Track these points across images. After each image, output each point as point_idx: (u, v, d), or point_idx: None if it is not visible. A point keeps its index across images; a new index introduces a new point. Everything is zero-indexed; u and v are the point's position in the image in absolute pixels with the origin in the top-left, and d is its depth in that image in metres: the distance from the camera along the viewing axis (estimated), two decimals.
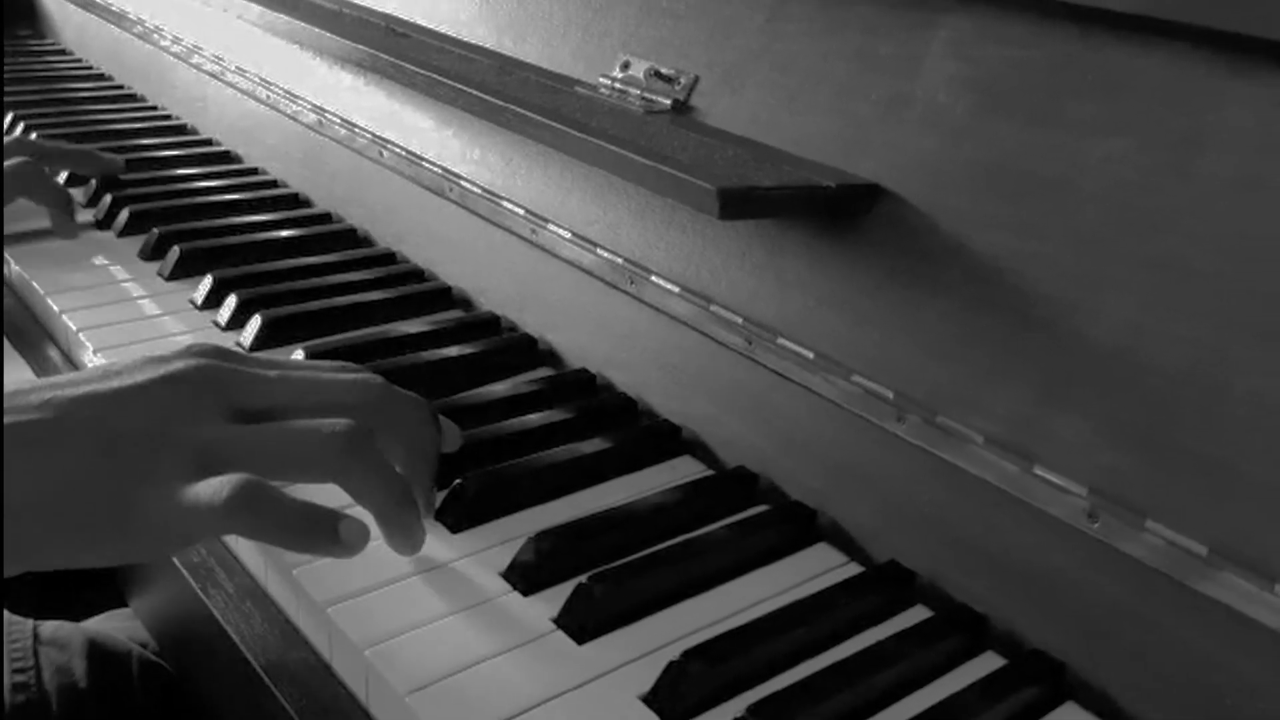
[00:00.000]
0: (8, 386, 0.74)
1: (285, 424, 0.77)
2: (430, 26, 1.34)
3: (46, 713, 1.02)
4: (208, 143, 1.77)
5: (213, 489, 0.70)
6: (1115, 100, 0.77)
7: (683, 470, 1.00)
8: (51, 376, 0.75)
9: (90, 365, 1.08)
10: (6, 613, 1.11)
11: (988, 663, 0.81)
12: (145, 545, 0.72)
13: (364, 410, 0.81)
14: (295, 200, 1.56)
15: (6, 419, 0.71)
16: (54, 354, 1.17)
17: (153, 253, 1.34)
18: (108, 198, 1.46)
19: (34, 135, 1.69)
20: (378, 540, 0.84)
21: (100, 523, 0.69)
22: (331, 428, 0.76)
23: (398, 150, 1.37)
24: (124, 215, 1.42)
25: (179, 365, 0.77)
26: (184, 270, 1.29)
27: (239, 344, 1.13)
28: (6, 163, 1.36)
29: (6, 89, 1.94)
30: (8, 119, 1.78)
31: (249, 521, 0.70)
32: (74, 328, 1.14)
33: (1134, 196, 0.75)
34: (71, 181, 1.55)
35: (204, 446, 0.73)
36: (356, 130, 1.44)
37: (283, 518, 0.71)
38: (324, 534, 0.73)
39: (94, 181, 1.52)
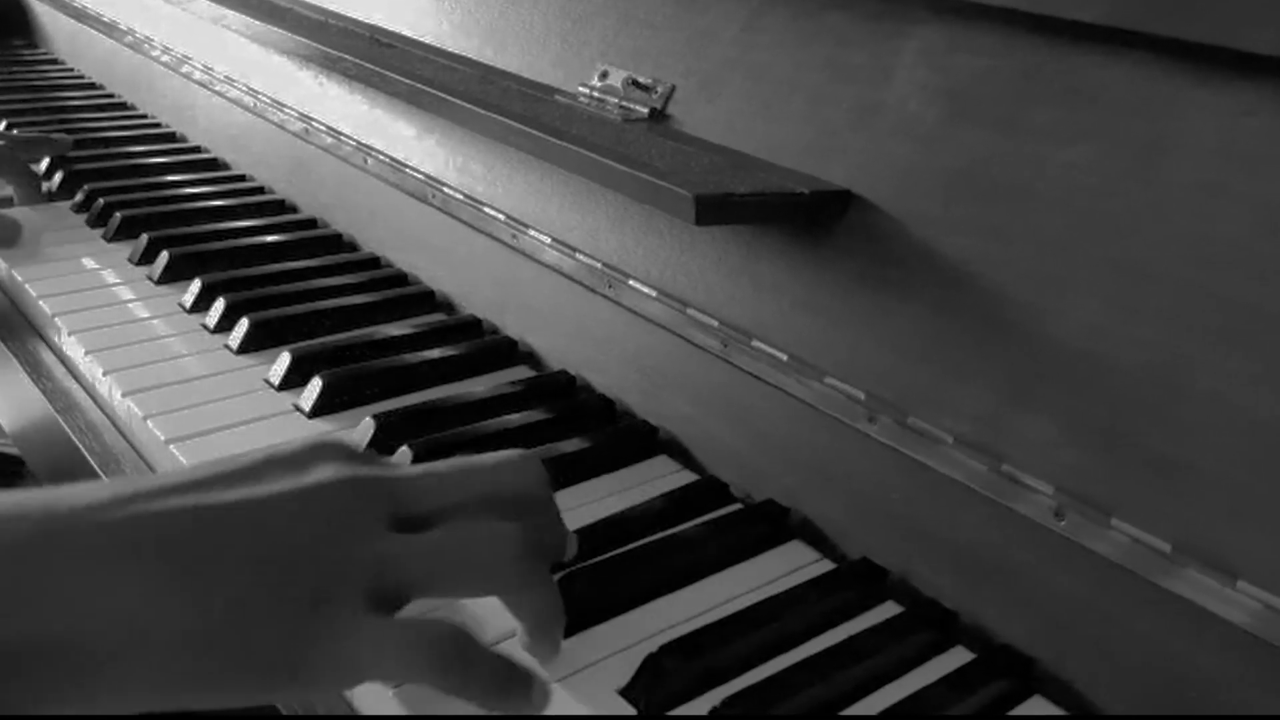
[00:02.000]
0: (100, 492, 0.60)
1: (455, 530, 0.67)
2: (414, 37, 1.34)
3: None
4: (196, 150, 1.77)
5: (412, 636, 0.61)
6: (1080, 108, 0.77)
7: (659, 470, 1.00)
8: (143, 480, 0.62)
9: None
10: None
11: (957, 657, 0.81)
12: (324, 681, 0.60)
13: (526, 496, 0.73)
14: (281, 206, 1.56)
15: (139, 531, 0.59)
16: (47, 356, 1.17)
17: (142, 257, 1.34)
18: (100, 202, 1.45)
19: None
20: None
21: (276, 655, 0.59)
22: (503, 534, 0.68)
23: (382, 157, 1.37)
24: (115, 220, 1.41)
25: (330, 473, 0.65)
26: (173, 274, 1.29)
27: (227, 346, 1.14)
28: None
29: (0, 97, 1.94)
30: (0, 125, 1.78)
31: (452, 681, 0.62)
32: (66, 330, 1.14)
33: (1097, 202, 0.75)
34: (63, 192, 1.56)
35: (379, 562, 0.63)
36: (342, 138, 1.44)
37: (484, 677, 0.63)
38: (520, 696, 0.65)
39: (86, 186, 1.52)
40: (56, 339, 1.16)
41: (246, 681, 0.58)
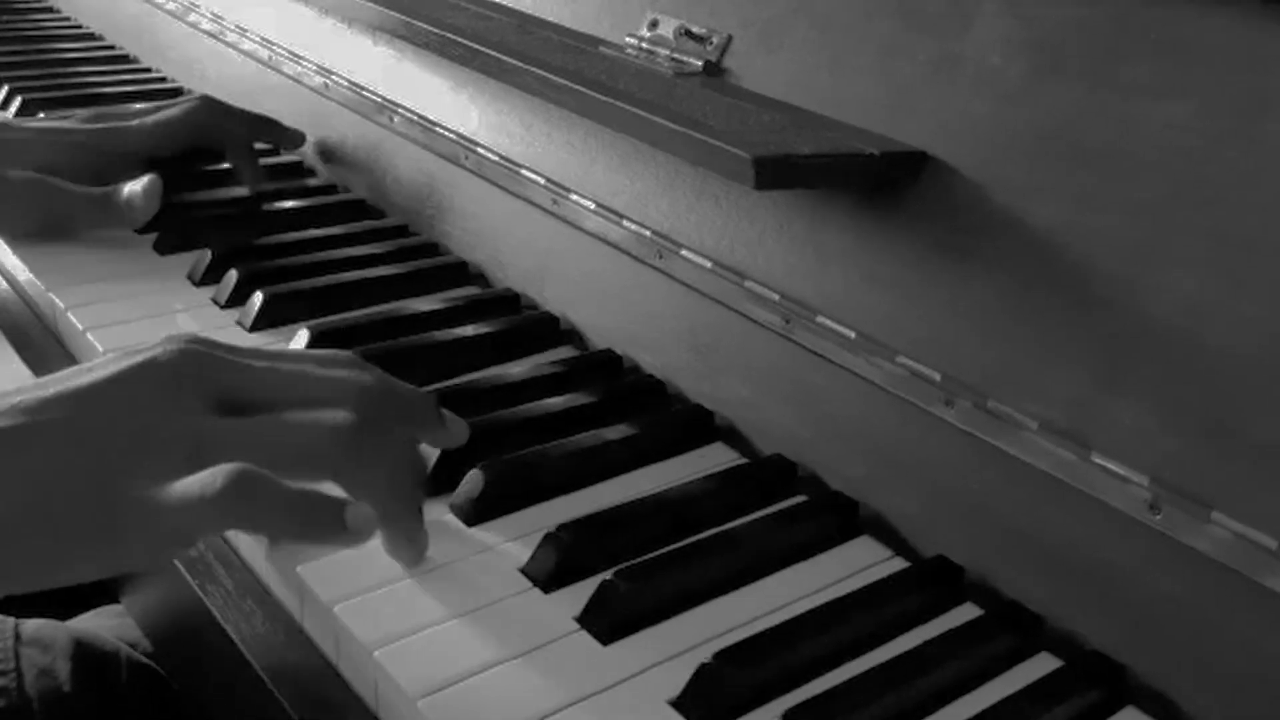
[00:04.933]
0: None
1: (281, 415, 0.76)
2: None
3: (28, 718, 1.02)
4: None
5: (203, 481, 0.68)
6: (1177, 62, 0.77)
7: (715, 458, 1.01)
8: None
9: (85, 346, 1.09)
10: None
11: (1042, 664, 0.81)
12: (134, 551, 0.70)
13: (361, 406, 0.79)
14: (299, 169, 1.56)
15: None
16: (40, 333, 1.18)
17: (145, 226, 1.34)
18: None
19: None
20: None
21: (83, 530, 0.68)
22: (333, 419, 0.76)
23: (409, 115, 1.38)
24: None
25: (155, 352, 0.75)
26: (180, 245, 1.30)
27: (239, 323, 1.14)
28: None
29: None
30: None
31: (247, 512, 0.69)
32: (62, 305, 1.14)
33: (1197, 165, 0.76)
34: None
35: (190, 438, 0.72)
36: (365, 94, 1.45)
37: (284, 505, 0.70)
38: (329, 521, 0.72)
39: None
40: (51, 314, 1.18)
41: (61, 554, 0.68)
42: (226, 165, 1.51)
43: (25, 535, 0.67)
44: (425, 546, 0.84)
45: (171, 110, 1.38)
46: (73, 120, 1.36)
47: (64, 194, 1.27)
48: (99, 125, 1.35)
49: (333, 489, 0.76)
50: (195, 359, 0.76)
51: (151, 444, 0.71)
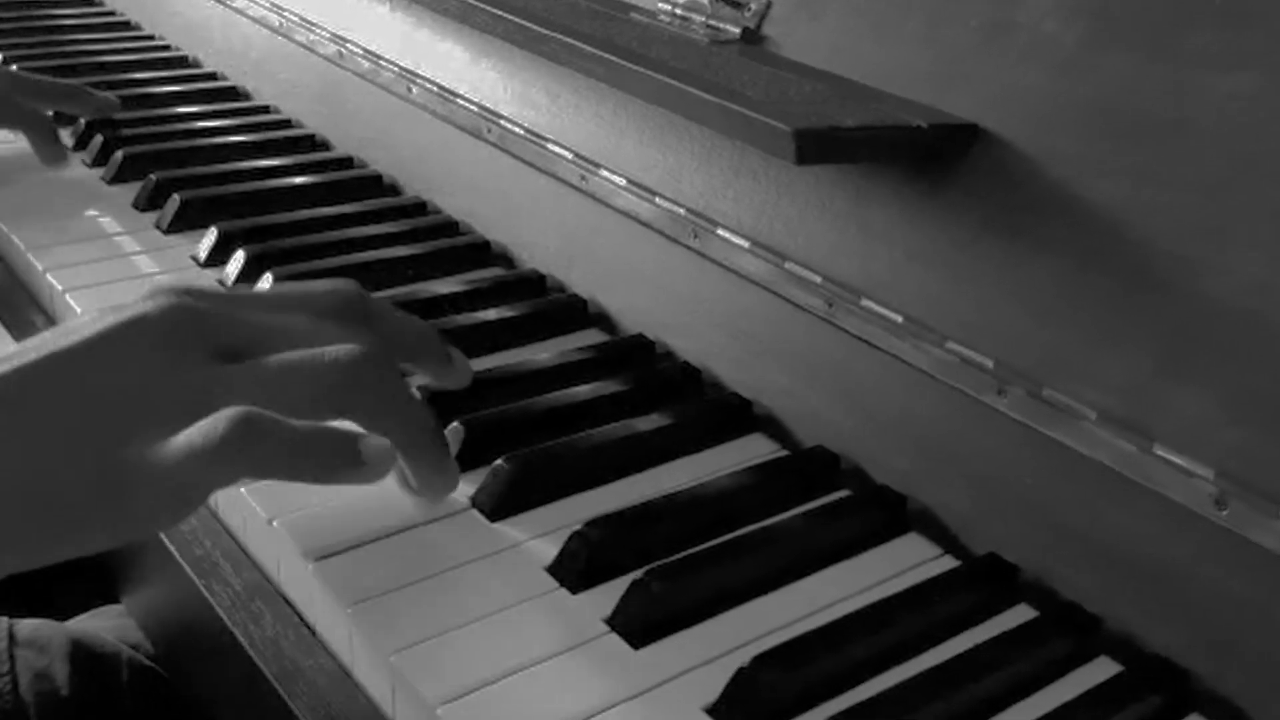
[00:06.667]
0: None
1: (283, 355, 0.74)
2: None
3: None
4: (212, 77, 1.78)
5: (204, 429, 0.68)
6: (1243, 29, 0.77)
7: (754, 450, 1.01)
8: None
9: None
10: None
11: (1101, 669, 0.81)
12: (143, 515, 0.69)
13: (364, 342, 0.77)
14: (311, 142, 1.57)
15: None
16: (39, 320, 1.19)
17: (149, 202, 1.35)
18: (98, 139, 1.47)
19: (14, 67, 1.68)
20: (402, 533, 0.85)
21: (86, 500, 0.67)
22: (338, 352, 0.74)
23: (429, 86, 1.38)
24: (117, 159, 1.43)
25: (145, 307, 0.73)
26: (185, 221, 1.30)
27: None
28: None
29: None
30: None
31: (253, 455, 0.69)
32: (59, 287, 1.15)
33: (1262, 138, 0.75)
34: (58, 122, 1.55)
35: (192, 392, 0.71)
36: (382, 63, 1.45)
37: (292, 444, 0.70)
38: (344, 456, 0.72)
39: (82, 121, 1.53)
40: (49, 298, 1.18)
41: (63, 526, 0.68)
42: (238, 139, 1.52)
43: (25, 510, 0.67)
44: (456, 477, 0.84)
45: None
46: None
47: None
48: None
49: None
50: (188, 310, 0.75)
51: (151, 402, 0.70)
